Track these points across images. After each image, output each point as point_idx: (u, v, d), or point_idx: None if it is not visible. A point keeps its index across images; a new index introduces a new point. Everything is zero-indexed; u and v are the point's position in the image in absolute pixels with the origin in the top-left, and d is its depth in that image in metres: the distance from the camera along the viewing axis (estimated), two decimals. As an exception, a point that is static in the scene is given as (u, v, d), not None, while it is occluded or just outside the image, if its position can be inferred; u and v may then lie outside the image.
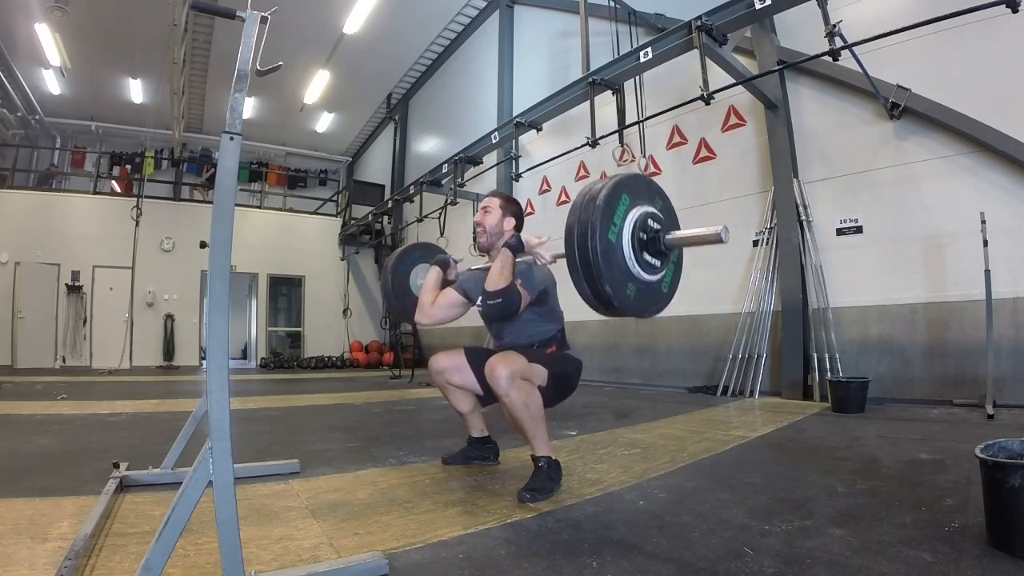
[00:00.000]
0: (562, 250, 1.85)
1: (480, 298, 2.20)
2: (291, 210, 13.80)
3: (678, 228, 1.88)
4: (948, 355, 4.39)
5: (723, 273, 5.90)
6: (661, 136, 6.57)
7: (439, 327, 10.97)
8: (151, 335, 11.03)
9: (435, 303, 2.37)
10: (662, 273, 1.85)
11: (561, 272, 2.43)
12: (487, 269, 2.26)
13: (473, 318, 2.61)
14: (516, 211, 2.44)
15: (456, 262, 2.59)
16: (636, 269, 1.74)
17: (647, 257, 1.78)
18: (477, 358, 2.35)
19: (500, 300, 2.09)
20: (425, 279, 2.49)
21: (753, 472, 2.41)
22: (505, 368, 2.05)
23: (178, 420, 2.57)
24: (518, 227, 2.42)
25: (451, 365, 2.40)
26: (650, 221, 1.78)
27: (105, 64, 10.73)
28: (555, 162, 7.23)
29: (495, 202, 2.42)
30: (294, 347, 13.18)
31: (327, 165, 16.38)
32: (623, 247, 1.72)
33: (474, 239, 2.82)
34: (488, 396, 2.35)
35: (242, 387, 7.16)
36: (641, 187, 1.85)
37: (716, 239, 1.70)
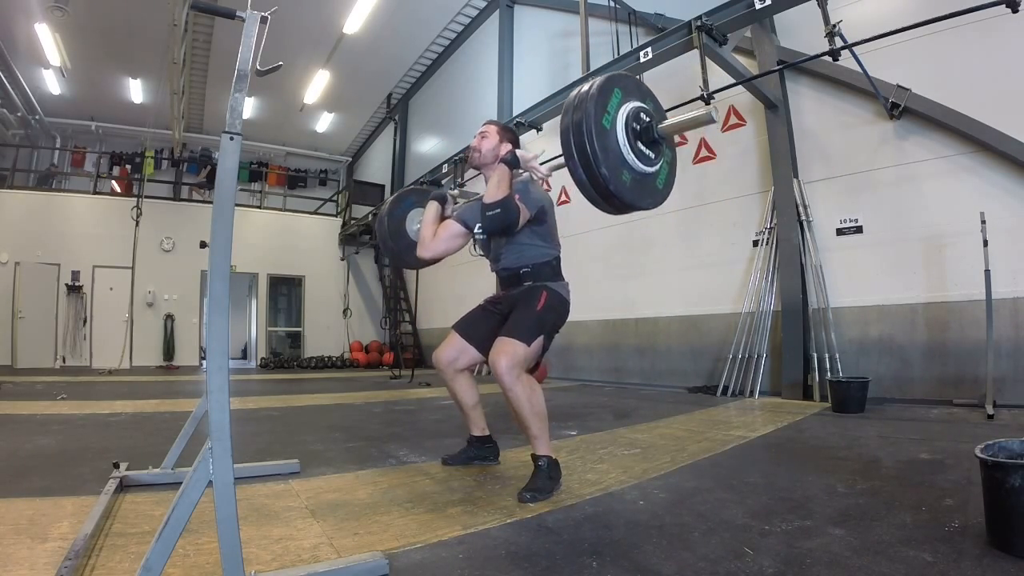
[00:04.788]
0: (558, 162, 1.91)
1: (479, 219, 2.18)
2: (291, 210, 13.80)
3: None
4: (948, 355, 4.38)
5: (723, 273, 5.91)
6: (661, 136, 6.57)
7: (439, 329, 11.12)
8: (151, 335, 11.03)
9: (436, 236, 2.39)
10: (657, 166, 1.93)
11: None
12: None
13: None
14: (512, 139, 2.46)
15: (454, 197, 2.59)
16: (631, 156, 1.81)
17: (641, 147, 1.85)
18: (468, 327, 2.41)
19: (499, 210, 2.10)
20: (424, 215, 2.49)
21: (753, 472, 2.41)
22: (507, 360, 2.05)
23: (178, 420, 2.57)
24: None
25: (455, 351, 2.40)
26: (642, 114, 1.87)
27: (105, 64, 10.73)
28: (555, 162, 7.23)
29: (492, 128, 2.46)
30: (294, 347, 13.17)
31: (327, 165, 16.37)
32: (617, 134, 1.78)
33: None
34: None
35: (242, 387, 7.16)
36: (632, 85, 1.94)
37: (707, 120, 1.79)
